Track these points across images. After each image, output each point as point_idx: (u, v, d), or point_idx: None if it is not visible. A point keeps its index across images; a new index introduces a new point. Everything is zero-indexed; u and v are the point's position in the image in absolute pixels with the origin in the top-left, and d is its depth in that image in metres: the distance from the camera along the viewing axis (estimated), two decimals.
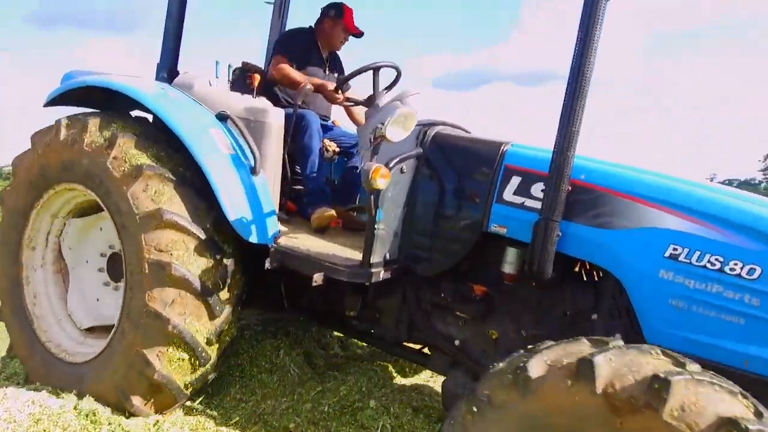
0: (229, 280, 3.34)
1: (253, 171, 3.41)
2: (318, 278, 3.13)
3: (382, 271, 3.20)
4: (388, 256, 3.26)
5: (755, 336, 2.41)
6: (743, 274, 2.42)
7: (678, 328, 2.53)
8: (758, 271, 2.40)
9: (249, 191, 3.36)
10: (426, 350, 3.73)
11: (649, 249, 2.61)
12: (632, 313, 2.72)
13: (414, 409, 3.68)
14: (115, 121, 3.46)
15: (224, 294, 3.34)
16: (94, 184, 3.39)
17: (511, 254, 3.05)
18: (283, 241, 3.43)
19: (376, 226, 3.08)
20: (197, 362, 3.30)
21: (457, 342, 3.32)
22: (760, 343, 2.39)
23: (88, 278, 3.89)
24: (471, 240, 3.11)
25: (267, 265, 3.31)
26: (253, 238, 3.30)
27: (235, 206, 3.28)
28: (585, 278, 3.05)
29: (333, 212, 3.79)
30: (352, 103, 4.13)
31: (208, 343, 3.31)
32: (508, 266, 3.06)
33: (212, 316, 3.29)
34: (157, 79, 4.00)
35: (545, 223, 2.70)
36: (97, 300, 3.87)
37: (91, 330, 3.88)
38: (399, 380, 4.37)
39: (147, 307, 3.15)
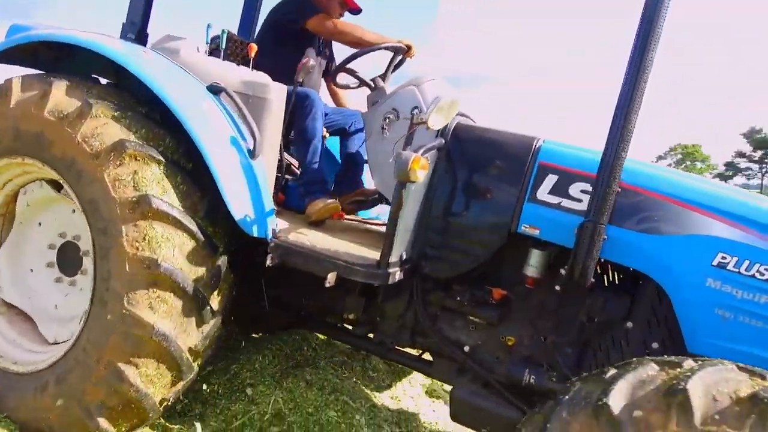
0: (221, 283, 2.93)
1: (252, 154, 3.00)
2: (332, 278, 2.82)
3: (398, 272, 2.94)
4: (404, 256, 3.00)
5: None
6: None
7: (723, 338, 2.47)
8: None
9: (249, 178, 2.96)
10: (425, 356, 3.51)
11: (696, 257, 2.52)
12: (671, 323, 2.65)
13: (307, 382, 3.60)
14: (86, 86, 2.91)
15: (215, 298, 2.92)
16: (56, 161, 2.83)
17: (535, 256, 2.89)
18: (282, 235, 3.06)
19: (398, 222, 2.80)
20: (179, 375, 2.86)
21: (466, 348, 3.12)
22: None
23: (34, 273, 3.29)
24: (497, 241, 2.92)
25: (268, 262, 2.94)
26: (255, 232, 2.92)
27: (236, 196, 2.86)
28: (614, 284, 2.95)
29: (336, 203, 3.45)
30: (355, 84, 3.79)
31: (193, 353, 2.88)
32: (532, 269, 2.90)
33: (201, 323, 2.87)
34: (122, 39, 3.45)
35: (593, 227, 2.55)
36: (44, 299, 3.27)
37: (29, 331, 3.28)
38: (293, 356, 4.18)
39: (126, 312, 2.66)
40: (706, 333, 2.51)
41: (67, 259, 3.23)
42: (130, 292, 2.65)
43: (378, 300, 3.27)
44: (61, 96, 2.82)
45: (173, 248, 2.71)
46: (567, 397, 2.09)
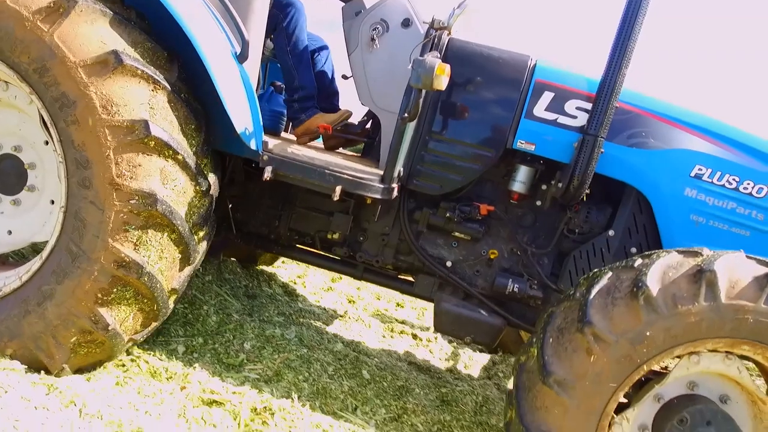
0: (209, 219, 2.79)
1: (241, 57, 2.79)
2: (338, 192, 2.78)
3: (396, 188, 2.95)
4: (401, 172, 3.00)
5: (757, 245, 2.78)
6: (753, 192, 2.79)
7: (695, 241, 2.81)
8: (765, 190, 2.78)
9: (241, 84, 2.77)
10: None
11: (677, 168, 2.83)
12: (649, 229, 2.95)
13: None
14: None
15: (201, 236, 2.77)
16: (22, 63, 2.44)
17: (523, 173, 3.05)
18: (275, 150, 2.93)
19: (405, 134, 2.79)
20: (155, 317, 2.71)
21: (449, 263, 3.26)
22: (760, 251, 2.68)
23: None
24: (492, 158, 3.01)
25: (266, 175, 2.82)
26: (252, 145, 2.78)
27: (239, 112, 2.68)
28: (596, 197, 3.11)
29: (349, 111, 3.41)
30: None
31: (173, 294, 2.74)
32: (519, 185, 3.06)
33: (186, 263, 2.72)
34: None
35: (593, 140, 2.73)
36: None
37: None
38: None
39: (111, 249, 2.44)
40: (682, 236, 2.85)
41: (6, 174, 2.86)
42: (117, 227, 2.43)
43: (363, 219, 3.27)
44: None
45: (169, 183, 2.50)
46: (601, 285, 2.30)
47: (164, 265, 2.57)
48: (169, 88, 2.52)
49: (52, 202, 2.81)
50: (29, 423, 2.11)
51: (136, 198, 2.41)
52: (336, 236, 3.32)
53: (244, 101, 2.73)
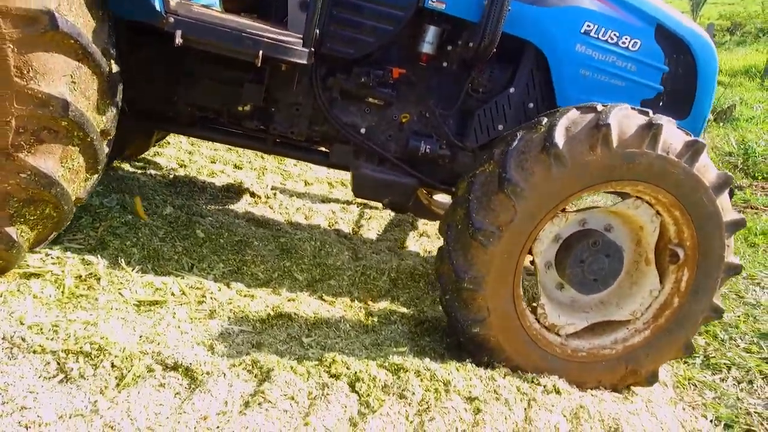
0: (116, 101, 2.53)
1: None
2: (261, 57, 2.62)
3: (312, 52, 2.82)
4: (317, 34, 2.84)
5: (630, 95, 3.14)
6: (630, 46, 3.08)
7: (584, 93, 3.10)
8: (639, 43, 3.08)
9: None
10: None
11: (569, 25, 3.03)
12: (545, 85, 3.16)
13: None
14: None
15: (107, 135, 2.52)
16: None
17: (431, 33, 3.07)
18: (180, 11, 2.64)
19: None
20: (56, 227, 2.53)
21: (363, 130, 3.28)
22: (632, 99, 3.11)
23: None
24: (403, 17, 2.98)
25: (177, 41, 2.53)
26: (155, 5, 2.50)
27: None
28: (497, 57, 3.16)
29: None
30: None
31: (77, 202, 2.54)
32: (427, 46, 3.09)
33: (93, 170, 2.51)
34: None
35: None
36: None
37: None
38: None
39: (14, 158, 2.21)
40: (573, 90, 3.11)
41: None
42: (18, 133, 2.17)
43: (274, 88, 3.12)
44: None
45: (73, 82, 2.25)
46: (516, 144, 2.61)
47: (68, 171, 2.36)
48: None
49: None
50: None
51: (40, 100, 2.17)
52: (246, 108, 3.15)
53: None
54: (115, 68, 2.48)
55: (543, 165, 2.54)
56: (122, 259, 2.90)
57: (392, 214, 4.71)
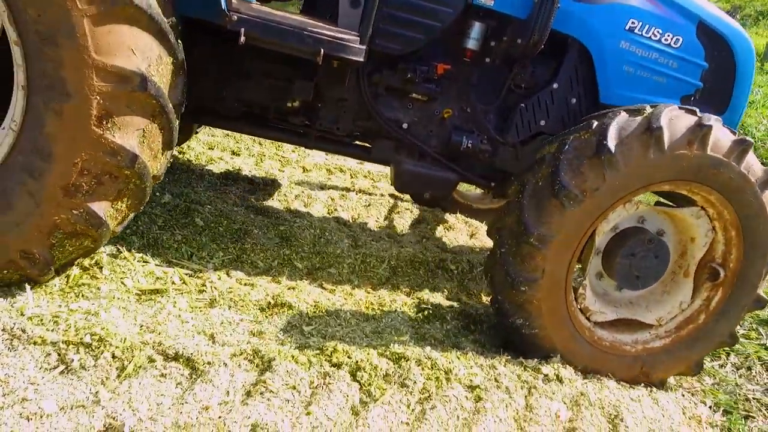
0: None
1: None
2: (322, 55, 2.66)
3: (366, 49, 2.83)
4: (370, 32, 2.85)
5: (671, 91, 3.18)
6: (672, 43, 3.11)
7: (627, 89, 3.14)
8: (681, 40, 3.10)
9: None
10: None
11: (615, 22, 3.05)
12: (588, 80, 3.18)
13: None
14: None
15: (157, 171, 2.52)
16: None
17: (477, 29, 3.08)
18: (241, 9, 2.65)
19: None
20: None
21: (405, 125, 3.30)
22: (672, 95, 3.18)
23: None
24: (452, 14, 2.98)
25: (242, 38, 2.56)
26: (219, 4, 2.51)
27: None
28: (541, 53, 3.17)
29: None
30: None
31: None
32: (472, 42, 3.11)
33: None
34: None
35: None
36: None
37: None
38: None
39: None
40: (616, 86, 3.14)
41: None
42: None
43: (322, 84, 3.14)
44: None
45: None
46: (568, 148, 2.62)
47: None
48: None
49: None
50: None
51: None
52: (295, 104, 3.18)
53: None
54: (177, 121, 2.51)
55: (597, 169, 2.59)
56: (123, 247, 2.88)
57: (391, 201, 4.70)
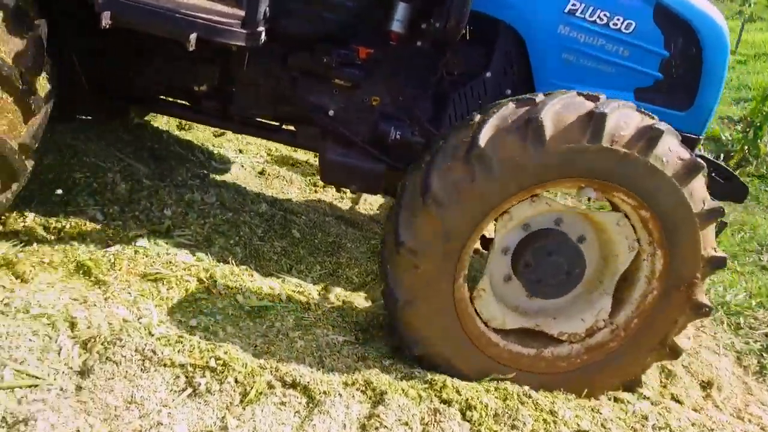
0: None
1: None
2: (193, 40, 2.41)
3: (263, 32, 2.63)
4: (267, 13, 2.64)
5: (622, 82, 2.83)
6: (622, 28, 2.76)
7: (567, 80, 2.78)
8: (633, 25, 2.75)
9: None
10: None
11: (551, 3, 2.75)
12: (523, 69, 2.88)
13: None
14: None
15: (40, 84, 2.47)
16: None
17: (401, 10, 2.79)
18: None
19: None
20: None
21: (331, 112, 3.03)
22: (623, 87, 2.82)
23: None
24: None
25: (103, 22, 2.34)
26: None
27: None
28: (472, 38, 2.95)
29: None
30: None
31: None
32: (397, 24, 2.81)
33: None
34: None
35: None
36: None
37: None
38: None
39: None
40: (553, 76, 2.81)
41: None
42: None
43: (231, 67, 2.95)
44: None
45: None
46: (443, 147, 2.35)
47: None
48: None
49: None
50: None
51: None
52: (202, 88, 3.02)
53: None
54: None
55: (467, 171, 2.29)
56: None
57: None
